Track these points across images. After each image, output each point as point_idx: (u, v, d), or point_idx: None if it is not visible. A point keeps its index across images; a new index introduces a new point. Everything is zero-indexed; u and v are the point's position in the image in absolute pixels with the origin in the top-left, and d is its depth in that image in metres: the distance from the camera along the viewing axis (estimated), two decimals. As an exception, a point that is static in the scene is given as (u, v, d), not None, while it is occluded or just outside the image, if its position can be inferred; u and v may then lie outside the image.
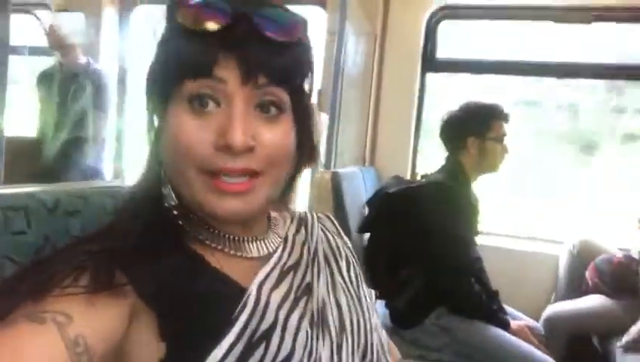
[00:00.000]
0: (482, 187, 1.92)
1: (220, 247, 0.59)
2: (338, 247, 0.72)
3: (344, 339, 0.61)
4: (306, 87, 0.60)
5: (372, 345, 0.65)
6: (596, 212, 2.72)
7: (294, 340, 0.55)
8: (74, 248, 0.52)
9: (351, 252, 0.75)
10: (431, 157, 2.44)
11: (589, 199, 2.79)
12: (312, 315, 0.59)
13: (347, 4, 2.22)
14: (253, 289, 0.56)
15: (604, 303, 2.05)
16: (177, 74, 0.53)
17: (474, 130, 1.81)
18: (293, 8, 0.57)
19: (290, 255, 0.64)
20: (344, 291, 0.67)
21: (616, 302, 2.03)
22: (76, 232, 0.60)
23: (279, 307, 0.57)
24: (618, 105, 2.80)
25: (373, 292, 0.75)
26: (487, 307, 1.73)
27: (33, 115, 2.70)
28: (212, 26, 0.52)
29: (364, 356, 0.64)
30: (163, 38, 0.56)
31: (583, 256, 2.21)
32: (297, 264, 0.64)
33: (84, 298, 0.47)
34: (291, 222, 0.70)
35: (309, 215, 0.74)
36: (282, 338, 0.55)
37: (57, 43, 2.58)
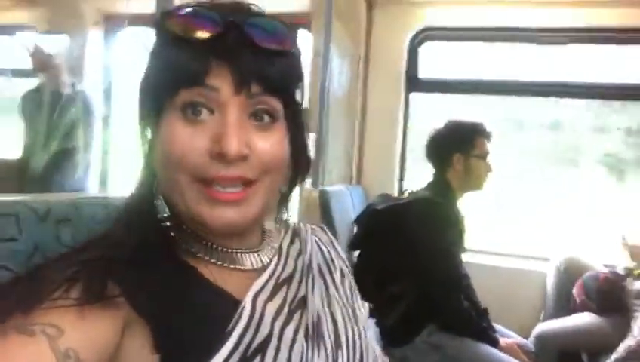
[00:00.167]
0: (468, 205, 1.93)
1: (213, 260, 0.58)
2: (332, 259, 0.72)
3: (340, 352, 0.60)
4: (298, 96, 0.61)
5: (367, 357, 0.64)
6: (582, 229, 2.76)
7: (290, 353, 0.55)
8: (66, 259, 0.51)
9: (345, 263, 0.75)
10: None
11: (574, 216, 2.83)
12: (307, 328, 0.59)
13: (331, 26, 2.26)
14: (247, 302, 0.55)
15: (592, 320, 2.07)
16: (170, 83, 0.53)
17: (459, 147, 1.84)
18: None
19: (284, 267, 0.64)
20: (339, 303, 0.66)
21: (604, 319, 2.05)
22: (67, 240, 0.58)
23: (274, 319, 0.56)
24: (599, 123, 2.88)
25: (367, 304, 0.74)
26: (477, 324, 1.73)
27: (17, 137, 2.67)
28: (202, 34, 0.52)
29: None
30: (154, 49, 0.57)
31: (569, 273, 2.23)
32: (292, 276, 0.63)
33: (75, 310, 0.46)
34: (285, 233, 0.70)
35: (302, 227, 0.73)
36: (278, 351, 0.54)
37: (41, 65, 2.56)
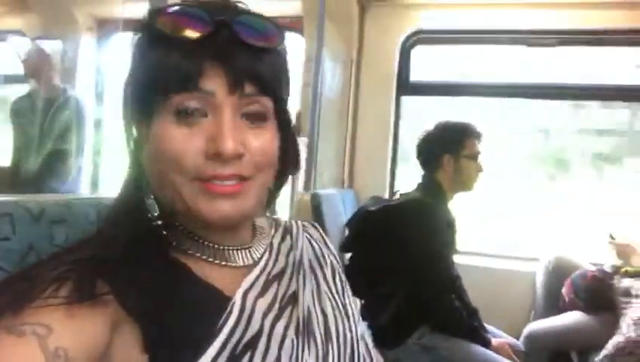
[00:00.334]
0: (458, 206, 1.95)
1: (204, 257, 0.58)
2: (323, 256, 0.72)
3: (330, 348, 0.61)
4: (285, 93, 0.61)
5: (358, 352, 0.65)
6: (570, 228, 2.79)
7: (280, 349, 0.55)
8: (56, 258, 0.51)
9: (336, 260, 0.75)
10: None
11: (562, 216, 2.85)
12: (298, 324, 0.59)
13: (324, 31, 2.28)
14: (237, 298, 0.56)
15: (581, 319, 2.09)
16: (162, 87, 0.52)
17: (449, 148, 1.85)
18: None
19: (275, 263, 0.64)
20: (330, 300, 0.67)
21: (593, 317, 2.07)
22: (61, 241, 0.59)
23: (264, 316, 0.57)
24: (587, 125, 2.91)
25: (357, 301, 0.75)
26: (469, 324, 1.74)
27: (7, 143, 2.66)
28: (192, 34, 0.52)
29: None
30: (141, 48, 0.56)
31: (558, 272, 2.25)
32: (282, 272, 0.64)
33: (64, 309, 0.46)
34: (276, 230, 0.70)
35: (294, 223, 0.74)
36: (268, 347, 0.54)
37: (33, 71, 2.56)
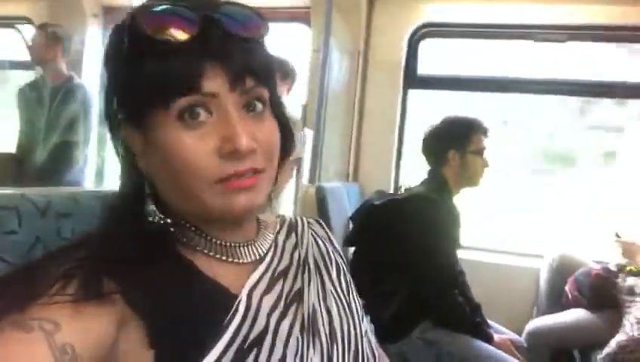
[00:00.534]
0: (463, 202, 1.94)
1: (211, 253, 0.58)
2: (328, 253, 0.72)
3: (335, 346, 0.61)
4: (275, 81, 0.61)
5: (363, 351, 0.65)
6: (575, 226, 2.78)
7: (285, 347, 0.55)
8: (62, 255, 0.51)
9: (341, 257, 0.75)
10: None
11: (567, 213, 2.84)
12: (303, 322, 0.59)
13: (331, 22, 2.26)
14: (243, 296, 0.56)
15: (584, 316, 2.08)
16: (163, 95, 0.51)
17: (455, 143, 1.84)
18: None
19: (280, 260, 0.64)
20: (334, 297, 0.67)
21: (596, 314, 2.06)
22: (67, 234, 0.59)
23: (270, 313, 0.57)
24: (595, 122, 2.89)
25: (359, 300, 0.75)
26: (471, 320, 1.74)
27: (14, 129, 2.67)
28: (183, 34, 0.50)
29: None
30: (128, 55, 0.53)
31: (562, 270, 2.24)
32: (287, 270, 0.64)
33: (72, 306, 0.46)
34: (281, 227, 0.70)
35: (299, 220, 0.74)
36: (273, 346, 0.54)
37: (40, 57, 2.56)
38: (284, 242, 0.68)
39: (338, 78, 2.57)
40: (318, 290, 0.65)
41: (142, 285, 0.51)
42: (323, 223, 0.78)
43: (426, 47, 2.72)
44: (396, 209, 1.80)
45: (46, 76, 2.57)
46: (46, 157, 2.43)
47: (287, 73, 2.43)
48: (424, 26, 2.67)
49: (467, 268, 1.93)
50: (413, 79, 2.71)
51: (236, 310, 0.54)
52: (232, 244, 0.60)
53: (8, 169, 2.54)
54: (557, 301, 2.21)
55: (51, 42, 2.49)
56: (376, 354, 0.70)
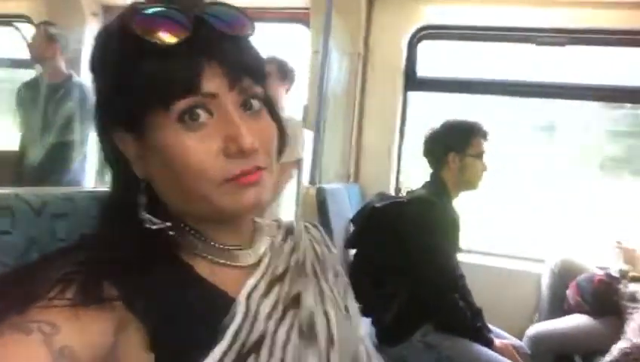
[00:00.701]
0: (463, 204, 1.93)
1: (209, 257, 0.58)
2: (325, 258, 0.72)
3: (332, 351, 0.60)
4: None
5: (360, 356, 0.65)
6: (577, 231, 2.77)
7: (284, 352, 0.55)
8: (61, 258, 0.51)
9: (338, 262, 0.75)
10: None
11: (570, 218, 2.83)
12: (301, 326, 0.59)
13: (331, 24, 2.25)
14: (241, 300, 0.56)
15: (586, 322, 2.07)
16: (162, 97, 0.51)
17: (454, 146, 1.85)
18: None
19: (277, 264, 0.64)
20: (332, 302, 0.66)
21: (598, 321, 2.05)
22: (62, 235, 0.58)
23: (268, 317, 0.56)
24: (598, 127, 2.88)
25: (357, 304, 0.74)
26: (472, 324, 1.73)
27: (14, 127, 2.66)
28: (173, 37, 0.50)
29: None
30: (124, 57, 0.52)
31: (564, 275, 2.24)
32: (285, 274, 0.63)
33: (70, 309, 0.46)
34: (278, 231, 0.70)
35: (296, 224, 0.73)
36: (272, 350, 0.54)
37: (39, 55, 2.54)
38: (281, 246, 0.67)
39: (338, 79, 2.56)
40: (315, 295, 0.65)
41: (141, 288, 0.50)
42: (320, 227, 0.78)
43: (425, 49, 2.72)
44: (397, 211, 1.81)
45: (44, 74, 2.56)
46: (42, 157, 2.42)
47: (285, 74, 2.43)
48: (424, 28, 2.67)
49: (468, 272, 1.92)
50: (413, 81, 2.71)
51: (234, 314, 0.54)
52: (230, 247, 0.60)
53: (10, 167, 2.53)
54: (558, 306, 2.20)
55: (49, 40, 2.48)
56: (374, 359, 0.70)
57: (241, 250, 0.61)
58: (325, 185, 2.07)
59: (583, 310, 2.10)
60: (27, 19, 3.11)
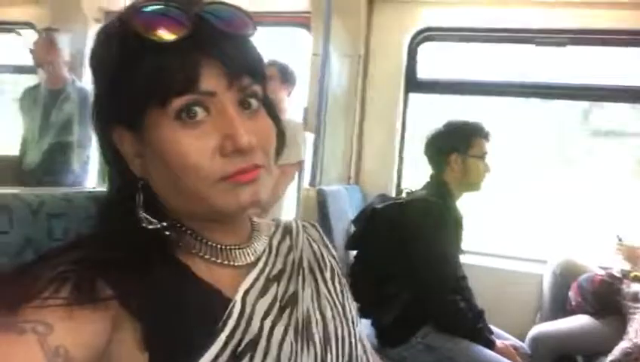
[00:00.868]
0: (466, 205, 1.93)
1: (206, 256, 0.58)
2: (323, 257, 0.72)
3: (328, 351, 0.61)
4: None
5: (356, 356, 0.65)
6: (578, 231, 2.76)
7: (279, 352, 0.55)
8: (56, 257, 0.51)
9: (336, 261, 0.74)
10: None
11: (571, 218, 2.83)
12: (297, 326, 0.59)
13: (331, 27, 2.26)
14: (237, 300, 0.56)
15: (588, 323, 2.06)
16: (161, 94, 0.51)
17: (456, 147, 1.85)
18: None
19: (274, 264, 0.64)
20: (328, 301, 0.66)
21: (600, 321, 2.04)
22: (59, 235, 0.59)
23: (264, 317, 0.57)
24: (599, 127, 2.88)
25: (354, 304, 0.74)
26: (473, 325, 1.73)
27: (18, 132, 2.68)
28: (171, 35, 0.50)
29: None
30: (124, 55, 0.52)
31: (566, 276, 2.22)
32: (282, 273, 0.64)
33: (65, 309, 0.46)
34: (276, 230, 0.70)
35: (294, 223, 0.74)
36: (267, 350, 0.54)
37: (41, 61, 2.57)
38: (279, 245, 0.67)
39: (339, 81, 2.57)
40: (312, 294, 0.65)
41: (137, 288, 0.50)
42: (317, 226, 0.78)
43: (426, 50, 2.72)
44: (398, 213, 1.80)
45: (47, 79, 2.58)
46: (42, 157, 2.44)
47: (287, 77, 2.45)
48: (424, 30, 2.67)
49: (470, 273, 1.92)
50: (413, 83, 2.71)
51: (230, 313, 0.54)
52: (227, 247, 0.60)
53: (11, 170, 2.55)
54: (560, 307, 2.19)
55: (51, 46, 2.50)
56: (371, 360, 0.70)
57: (238, 249, 0.61)
58: (326, 187, 2.07)
59: (584, 310, 2.09)
60: (31, 25, 3.14)
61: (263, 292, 0.59)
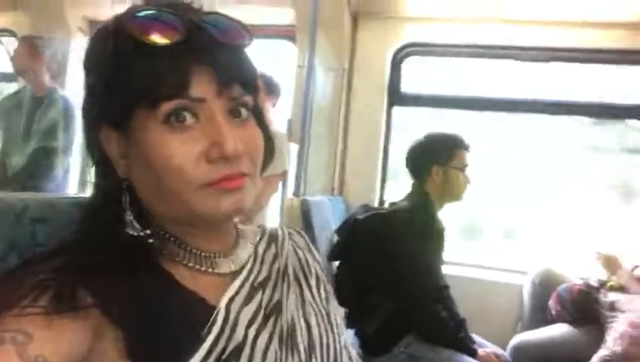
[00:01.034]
0: (449, 216, 1.96)
1: (190, 264, 0.58)
2: (308, 264, 0.72)
3: (313, 358, 0.61)
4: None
5: None
6: (558, 242, 2.81)
7: (263, 360, 0.55)
8: (38, 263, 0.50)
9: (321, 268, 0.74)
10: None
11: (552, 229, 2.88)
12: (281, 334, 0.59)
13: (316, 40, 2.29)
14: (222, 307, 0.56)
15: (567, 331, 2.10)
16: (151, 97, 0.51)
17: (438, 158, 1.87)
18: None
19: (259, 271, 0.64)
20: (313, 309, 0.66)
21: (579, 330, 2.08)
22: (42, 239, 0.58)
23: (249, 325, 0.56)
24: (578, 140, 2.94)
25: (342, 310, 0.74)
26: (455, 334, 1.74)
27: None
28: (166, 39, 0.51)
29: None
30: (117, 56, 0.53)
31: (545, 286, 2.26)
32: (267, 281, 0.63)
33: (44, 318, 0.46)
34: (261, 237, 0.70)
35: (280, 231, 0.73)
36: (251, 358, 0.54)
37: (22, 68, 2.54)
38: (264, 253, 0.67)
39: (323, 93, 2.59)
40: (297, 302, 0.65)
41: (119, 296, 0.50)
42: (303, 233, 0.77)
43: (410, 65, 2.76)
44: (380, 223, 1.82)
45: (29, 87, 2.55)
46: (26, 161, 2.40)
47: (272, 89, 2.47)
48: (407, 45, 2.72)
49: (452, 284, 1.92)
50: (397, 96, 2.75)
51: (214, 321, 0.54)
52: (211, 254, 0.60)
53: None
54: (541, 316, 2.22)
55: (33, 53, 2.48)
56: None
57: (222, 257, 0.61)
58: (309, 198, 2.07)
59: (564, 319, 2.13)
60: (12, 33, 3.10)
61: (247, 300, 0.59)
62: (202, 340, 0.52)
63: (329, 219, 2.17)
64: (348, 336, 0.71)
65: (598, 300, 2.04)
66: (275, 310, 0.61)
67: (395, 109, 2.77)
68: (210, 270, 0.59)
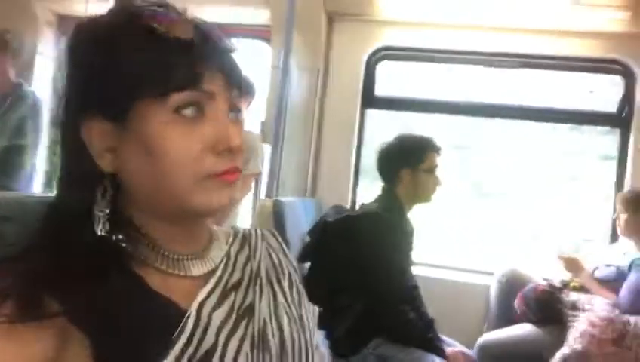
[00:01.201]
0: (418, 219, 1.98)
1: (162, 267, 0.57)
2: (281, 265, 0.72)
3: (284, 358, 0.61)
4: None
5: None
6: (525, 243, 2.88)
7: None
8: (3, 269, 0.49)
9: (294, 269, 0.74)
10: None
11: (517, 231, 2.95)
12: (253, 337, 0.59)
13: (291, 41, 2.29)
14: (193, 311, 0.55)
15: (531, 331, 2.16)
16: (161, 87, 0.52)
17: (407, 161, 1.88)
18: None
19: (232, 274, 0.64)
20: (286, 311, 0.66)
21: (542, 329, 2.14)
22: (9, 238, 0.57)
23: (220, 328, 0.56)
24: (544, 146, 3.03)
25: (316, 308, 0.75)
26: (424, 335, 1.76)
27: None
28: (187, 35, 0.53)
29: None
30: (130, 44, 0.53)
31: (511, 286, 2.32)
32: (239, 283, 0.63)
33: (7, 327, 0.45)
34: (234, 239, 0.69)
35: (253, 232, 0.73)
36: (222, 361, 0.54)
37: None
38: (237, 254, 0.67)
39: (297, 95, 2.60)
40: (269, 304, 0.65)
41: (86, 301, 0.49)
42: (277, 234, 0.77)
43: (383, 68, 2.79)
44: (350, 225, 1.82)
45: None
46: None
47: (246, 89, 2.46)
48: (382, 48, 2.75)
49: (421, 284, 1.95)
50: (370, 99, 2.78)
51: (184, 325, 0.54)
52: (184, 257, 0.59)
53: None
54: (507, 316, 2.28)
55: (0, 48, 2.40)
56: None
57: (194, 259, 0.61)
58: (282, 199, 2.07)
59: (529, 319, 2.19)
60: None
61: (219, 303, 0.59)
62: (173, 344, 0.52)
63: (302, 221, 2.17)
64: (320, 337, 0.72)
65: (561, 300, 2.11)
66: (247, 312, 0.61)
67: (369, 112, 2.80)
68: (182, 273, 0.59)
